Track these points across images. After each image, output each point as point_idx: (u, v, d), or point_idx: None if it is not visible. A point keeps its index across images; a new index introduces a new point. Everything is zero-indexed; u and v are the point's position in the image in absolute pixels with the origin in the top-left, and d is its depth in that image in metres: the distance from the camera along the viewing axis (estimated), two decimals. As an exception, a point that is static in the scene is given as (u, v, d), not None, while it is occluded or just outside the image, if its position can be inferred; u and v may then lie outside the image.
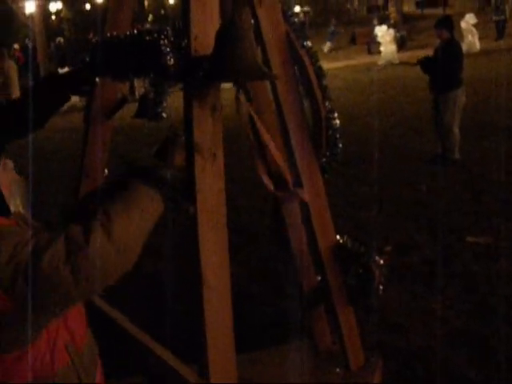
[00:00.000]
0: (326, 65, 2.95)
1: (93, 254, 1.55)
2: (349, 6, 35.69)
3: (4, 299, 1.56)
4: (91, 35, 22.26)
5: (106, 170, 3.53)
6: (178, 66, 2.23)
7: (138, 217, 1.67)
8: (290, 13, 3.00)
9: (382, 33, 19.97)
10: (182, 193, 1.97)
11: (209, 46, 2.16)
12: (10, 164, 4.54)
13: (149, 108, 2.98)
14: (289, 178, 2.90)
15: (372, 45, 22.14)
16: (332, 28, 24.84)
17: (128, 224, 1.64)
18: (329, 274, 3.09)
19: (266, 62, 2.69)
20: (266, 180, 2.93)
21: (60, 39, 25.79)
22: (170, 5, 36.54)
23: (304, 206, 3.01)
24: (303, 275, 3.42)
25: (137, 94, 16.30)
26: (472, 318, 4.33)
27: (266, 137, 2.81)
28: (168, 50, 2.26)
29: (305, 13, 26.97)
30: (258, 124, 2.77)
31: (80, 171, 3.56)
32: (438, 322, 4.27)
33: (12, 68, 19.52)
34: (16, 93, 19.14)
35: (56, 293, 1.58)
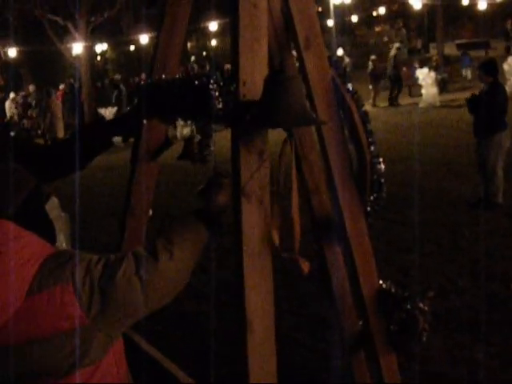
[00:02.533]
0: (367, 107, 2.96)
1: (159, 267, 1.80)
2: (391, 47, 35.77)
3: (83, 317, 1.67)
4: (138, 78, 22.75)
5: (151, 211, 3.57)
6: (227, 111, 2.27)
7: (191, 244, 1.92)
8: (335, 58, 3.03)
9: (423, 75, 19.94)
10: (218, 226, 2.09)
11: (257, 91, 2.20)
12: (55, 200, 4.65)
13: (194, 150, 3.03)
14: (297, 245, 2.72)
15: (413, 87, 22.12)
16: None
17: (184, 248, 1.88)
18: (371, 318, 3.04)
19: (312, 105, 2.71)
20: (274, 236, 2.66)
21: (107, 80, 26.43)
22: (211, 47, 37.27)
23: (347, 249, 2.99)
24: (345, 319, 3.37)
25: (178, 134, 16.54)
26: (518, 368, 4.21)
27: (295, 199, 2.60)
28: (217, 94, 2.31)
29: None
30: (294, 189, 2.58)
31: (125, 210, 3.61)
32: (482, 372, 4.15)
33: (58, 107, 20.09)
34: (60, 132, 19.64)
35: (128, 304, 1.76)
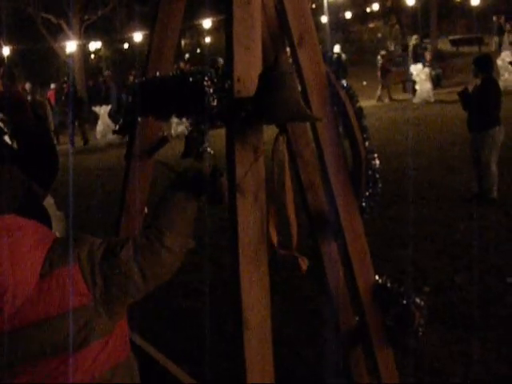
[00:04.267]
0: (361, 102, 2.96)
1: (155, 251, 1.93)
2: (388, 44, 35.79)
3: (89, 294, 1.83)
4: (131, 76, 22.68)
5: (146, 208, 3.57)
6: (221, 107, 2.27)
7: (180, 219, 2.02)
8: (329, 53, 3.04)
9: (417, 71, 19.96)
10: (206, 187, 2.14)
11: (251, 87, 2.20)
12: (51, 200, 4.65)
13: (193, 148, 3.03)
14: (295, 241, 2.73)
15: (407, 83, 22.12)
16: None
17: (174, 231, 1.98)
18: (367, 314, 3.05)
19: (306, 102, 2.71)
20: (271, 234, 2.68)
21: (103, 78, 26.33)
22: (205, 44, 37.22)
23: (343, 246, 3.00)
24: (341, 315, 3.38)
25: (173, 132, 16.49)
26: (515, 362, 4.22)
27: (290, 196, 2.62)
28: (211, 91, 2.30)
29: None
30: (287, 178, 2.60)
31: (120, 207, 3.61)
32: (479, 366, 4.17)
33: (47, 108, 19.90)
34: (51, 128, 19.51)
35: (128, 285, 1.90)
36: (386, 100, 21.04)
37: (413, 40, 23.58)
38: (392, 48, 22.95)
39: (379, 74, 21.54)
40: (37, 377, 1.84)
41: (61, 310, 1.82)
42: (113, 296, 1.88)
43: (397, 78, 22.67)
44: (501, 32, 30.85)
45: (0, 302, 1.79)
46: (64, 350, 1.83)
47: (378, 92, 21.31)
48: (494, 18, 29.21)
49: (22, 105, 2.75)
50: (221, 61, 9.99)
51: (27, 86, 24.01)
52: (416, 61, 21.62)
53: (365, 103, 19.34)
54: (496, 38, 29.21)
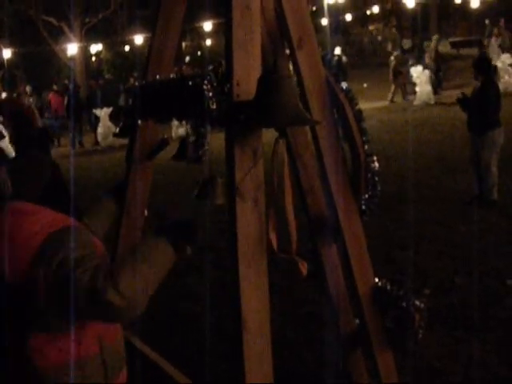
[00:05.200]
0: (361, 105, 2.97)
1: (120, 292, 1.96)
2: (389, 47, 35.82)
3: (42, 286, 2.01)
4: (132, 79, 22.66)
5: (146, 211, 3.58)
6: (221, 111, 2.28)
7: (144, 272, 2.04)
8: (329, 56, 3.05)
9: (418, 73, 19.97)
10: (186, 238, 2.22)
11: (251, 91, 2.21)
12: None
13: (189, 150, 3.03)
14: (294, 244, 2.74)
15: (407, 85, 22.13)
16: None
17: (134, 281, 2.00)
18: (367, 317, 3.05)
19: (306, 105, 2.72)
20: (271, 237, 2.68)
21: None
22: (206, 47, 37.24)
23: (342, 248, 3.00)
24: (341, 318, 3.38)
25: (173, 134, 16.51)
26: (514, 364, 4.22)
27: (289, 199, 2.63)
28: (211, 94, 2.31)
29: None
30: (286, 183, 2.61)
31: (121, 209, 3.61)
32: (479, 367, 4.17)
33: (35, 114, 19.80)
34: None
35: (76, 305, 1.99)
36: (400, 100, 21.01)
37: (434, 40, 23.69)
38: (389, 49, 22.96)
39: (391, 74, 21.60)
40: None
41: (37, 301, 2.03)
42: (62, 309, 2.02)
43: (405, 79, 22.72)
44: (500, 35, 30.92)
45: (1, 279, 2.07)
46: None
47: (391, 93, 21.33)
48: (487, 22, 29.22)
49: (22, 113, 2.92)
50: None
51: (28, 88, 24.03)
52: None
53: (377, 104, 19.40)
54: (487, 41, 29.32)
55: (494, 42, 23.74)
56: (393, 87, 21.47)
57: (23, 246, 2.07)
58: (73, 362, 2.10)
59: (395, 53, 23.14)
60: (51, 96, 23.09)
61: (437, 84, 21.49)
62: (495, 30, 26.02)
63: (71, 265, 2.00)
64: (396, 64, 21.65)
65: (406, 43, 24.15)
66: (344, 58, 22.36)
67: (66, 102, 20.55)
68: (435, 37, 24.23)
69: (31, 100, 22.32)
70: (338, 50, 21.68)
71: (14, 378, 2.17)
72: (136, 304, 2.01)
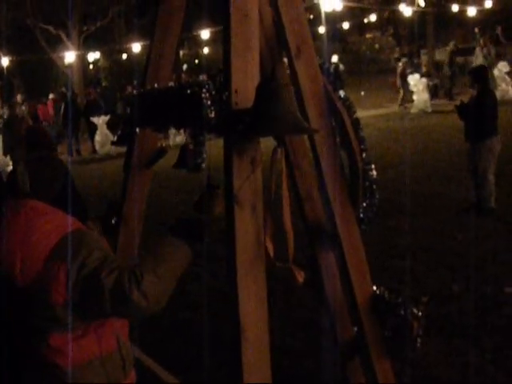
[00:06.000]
0: (359, 113, 2.98)
1: (128, 296, 2.03)
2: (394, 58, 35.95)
3: (64, 295, 2.06)
4: (130, 88, 22.67)
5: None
6: (219, 119, 2.29)
7: (164, 270, 2.09)
8: (326, 65, 3.06)
9: (415, 81, 20.01)
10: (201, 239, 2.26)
11: (249, 99, 2.22)
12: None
13: (188, 159, 3.03)
14: (291, 253, 2.75)
15: (405, 93, 22.19)
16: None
17: (156, 280, 2.06)
18: (365, 325, 3.05)
19: (304, 113, 2.73)
20: (268, 245, 2.67)
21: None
22: (204, 55, 37.29)
23: (340, 256, 3.00)
24: (339, 326, 3.38)
25: (171, 143, 16.51)
26: (513, 372, 4.22)
27: (286, 208, 2.63)
28: (209, 103, 2.32)
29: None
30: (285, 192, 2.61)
31: (119, 218, 3.61)
32: (477, 375, 4.16)
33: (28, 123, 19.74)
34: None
35: (99, 306, 2.07)
36: (408, 105, 21.06)
37: (451, 45, 24.02)
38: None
39: (398, 80, 21.73)
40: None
41: (49, 298, 2.09)
42: (83, 308, 2.09)
43: (394, 87, 22.87)
44: (497, 43, 30.99)
45: (12, 276, 2.11)
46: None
47: (400, 98, 21.42)
48: (476, 30, 29.30)
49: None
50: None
51: (19, 97, 23.93)
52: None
53: (374, 112, 19.44)
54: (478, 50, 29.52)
55: (478, 52, 23.91)
56: (401, 92, 21.54)
57: (37, 245, 2.12)
58: (95, 360, 2.16)
59: (403, 59, 23.39)
60: (40, 108, 23.10)
61: (449, 91, 21.73)
62: (481, 41, 26.18)
63: (95, 265, 2.06)
64: (403, 69, 21.86)
65: (450, 45, 24.80)
66: (341, 66, 22.45)
67: (62, 109, 20.54)
68: (452, 42, 24.67)
69: (23, 108, 22.25)
70: (335, 58, 21.77)
71: (32, 377, 2.22)
72: (159, 302, 2.09)
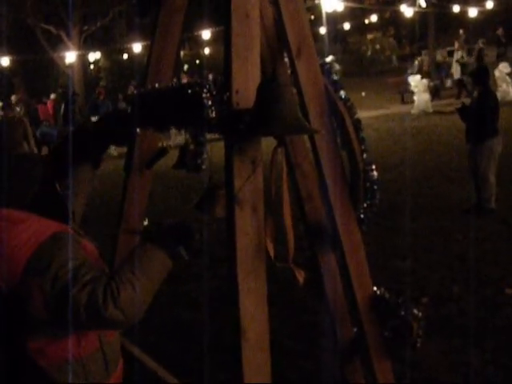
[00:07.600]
0: (360, 113, 2.97)
1: (118, 305, 1.98)
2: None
3: (39, 298, 1.98)
4: (132, 87, 22.63)
5: (146, 220, 3.57)
6: (220, 119, 2.28)
7: (142, 283, 2.03)
8: (327, 65, 3.05)
9: (416, 82, 20.00)
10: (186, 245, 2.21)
11: (250, 99, 2.21)
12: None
13: (188, 159, 3.03)
14: (291, 253, 2.73)
15: (405, 94, 22.18)
16: None
17: (133, 295, 2.01)
18: (365, 325, 3.05)
19: (304, 113, 2.72)
20: (268, 245, 2.66)
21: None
22: (204, 55, 37.30)
23: (341, 257, 3.00)
24: (339, 326, 3.38)
25: (171, 143, 16.50)
26: (513, 373, 4.22)
27: (287, 208, 2.65)
28: (210, 103, 2.32)
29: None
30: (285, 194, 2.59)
31: (119, 219, 3.61)
32: (476, 376, 4.16)
33: (26, 126, 19.66)
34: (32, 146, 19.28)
35: (73, 319, 1.98)
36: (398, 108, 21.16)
37: (479, 43, 24.14)
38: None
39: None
40: None
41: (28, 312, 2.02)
42: (61, 322, 2.01)
43: (395, 88, 23.01)
44: (500, 43, 31.01)
45: None
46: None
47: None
48: (461, 32, 29.28)
49: None
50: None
51: (13, 98, 23.84)
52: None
53: (375, 113, 19.44)
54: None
55: (455, 55, 24.23)
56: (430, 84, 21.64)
57: (12, 258, 2.01)
58: (75, 360, 2.12)
59: (419, 58, 23.75)
60: (40, 107, 23.04)
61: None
62: (456, 44, 26.25)
63: (67, 278, 1.98)
64: (420, 67, 22.07)
65: (479, 43, 24.92)
66: (337, 66, 22.48)
67: (63, 109, 20.52)
68: (481, 40, 24.86)
69: (18, 109, 22.16)
70: (329, 58, 21.92)
71: (16, 378, 2.17)
72: (135, 315, 2.05)
